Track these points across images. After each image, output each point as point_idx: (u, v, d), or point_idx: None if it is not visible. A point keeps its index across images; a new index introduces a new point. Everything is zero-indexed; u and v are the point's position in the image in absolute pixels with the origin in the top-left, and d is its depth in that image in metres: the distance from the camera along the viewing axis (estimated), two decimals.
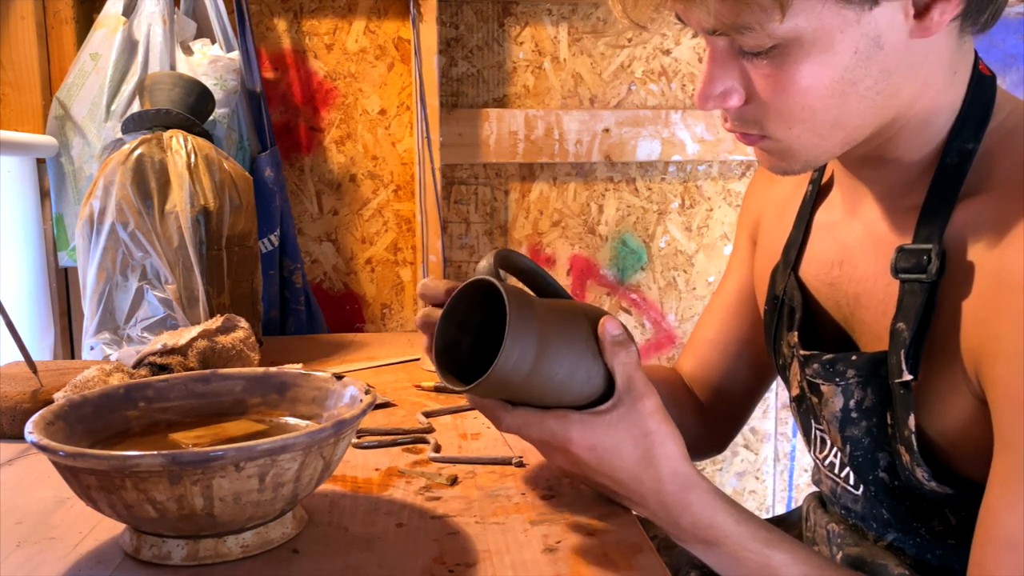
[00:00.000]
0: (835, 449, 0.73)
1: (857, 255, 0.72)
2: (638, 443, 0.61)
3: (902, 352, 0.62)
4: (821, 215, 0.79)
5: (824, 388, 0.70)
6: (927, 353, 0.63)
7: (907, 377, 0.62)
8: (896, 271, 0.64)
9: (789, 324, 0.78)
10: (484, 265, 0.64)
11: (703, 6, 0.57)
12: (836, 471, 0.74)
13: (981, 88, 0.66)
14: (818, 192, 0.81)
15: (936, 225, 0.63)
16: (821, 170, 0.81)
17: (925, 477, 0.63)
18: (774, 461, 1.78)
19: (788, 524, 0.94)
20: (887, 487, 0.69)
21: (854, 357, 0.67)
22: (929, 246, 0.62)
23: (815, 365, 0.70)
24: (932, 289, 0.62)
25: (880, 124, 0.64)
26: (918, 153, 0.66)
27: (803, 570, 0.61)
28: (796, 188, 0.83)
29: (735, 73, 0.63)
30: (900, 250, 0.64)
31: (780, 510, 1.79)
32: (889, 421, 0.65)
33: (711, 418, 0.94)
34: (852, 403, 0.68)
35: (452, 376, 0.62)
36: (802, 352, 0.73)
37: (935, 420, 0.63)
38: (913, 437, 0.63)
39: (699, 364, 0.95)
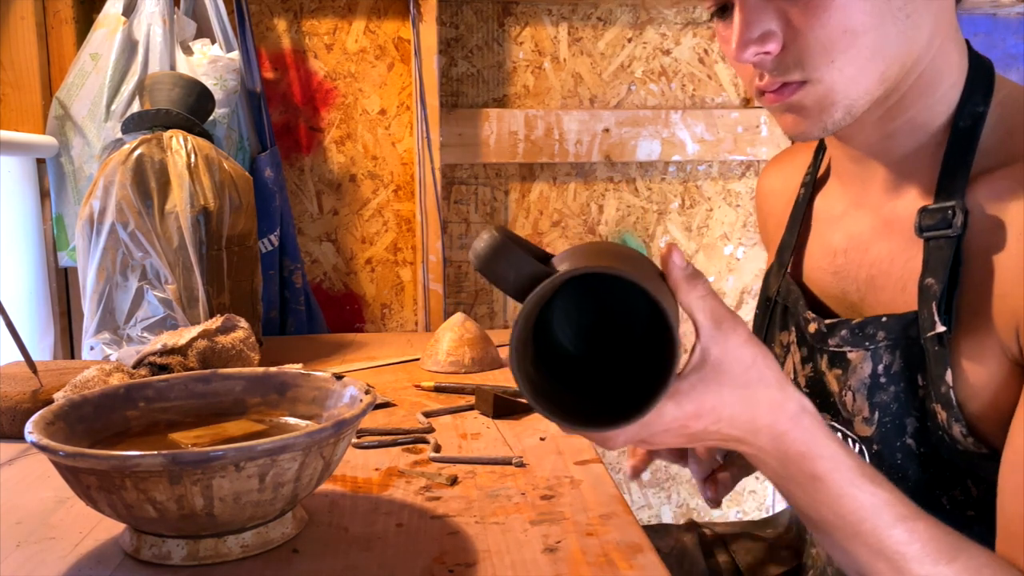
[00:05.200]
0: (847, 438, 0.73)
1: (865, 241, 0.72)
2: (738, 382, 0.54)
3: (933, 304, 0.63)
4: (821, 210, 0.79)
5: (852, 355, 0.70)
6: (957, 310, 0.63)
7: (940, 329, 0.62)
8: (921, 230, 0.65)
9: (782, 324, 0.78)
10: (485, 242, 0.52)
11: None
12: None
13: (979, 59, 0.68)
14: (812, 192, 0.81)
15: (957, 185, 0.64)
16: (814, 170, 0.81)
17: (962, 433, 0.63)
18: None
19: (776, 525, 0.94)
20: (913, 454, 0.68)
21: (884, 319, 0.67)
22: (952, 202, 0.63)
23: (843, 332, 0.70)
24: (958, 244, 0.63)
25: (907, 60, 0.64)
26: (928, 116, 0.67)
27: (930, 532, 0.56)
28: (793, 195, 0.83)
29: (770, 16, 0.62)
30: (923, 210, 0.65)
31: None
32: (920, 383, 0.65)
33: None
34: (881, 368, 0.68)
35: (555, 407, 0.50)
36: (826, 322, 0.72)
37: (965, 382, 0.63)
38: (951, 392, 0.62)
39: None
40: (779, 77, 0.64)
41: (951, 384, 0.62)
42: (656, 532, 0.90)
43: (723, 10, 0.67)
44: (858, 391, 0.70)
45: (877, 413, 0.69)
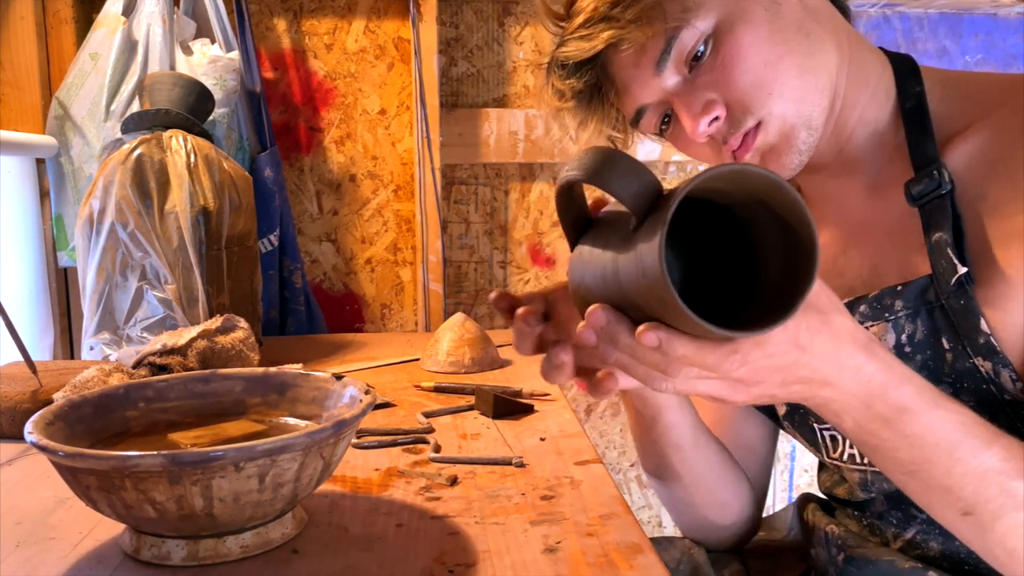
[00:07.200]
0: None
1: (865, 234, 0.74)
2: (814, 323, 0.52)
3: (949, 251, 0.65)
4: None
5: (874, 329, 0.70)
6: (970, 260, 0.64)
7: (962, 270, 0.64)
8: (913, 199, 0.68)
9: None
10: (595, 153, 0.48)
11: (640, 33, 0.68)
12: (859, 460, 0.73)
13: (898, 55, 0.74)
14: None
15: (929, 152, 0.68)
16: None
17: (1011, 378, 0.63)
18: (774, 461, 1.78)
19: (779, 527, 0.94)
20: None
21: (899, 287, 0.68)
22: (932, 167, 0.67)
23: (862, 307, 0.71)
24: (952, 200, 0.66)
25: (830, 67, 0.70)
26: (874, 109, 0.73)
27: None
28: None
29: (702, 90, 0.70)
30: (909, 183, 0.68)
31: None
32: (947, 346, 0.66)
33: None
34: (904, 337, 0.68)
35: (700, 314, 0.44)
36: (844, 302, 0.72)
37: (999, 328, 0.63)
38: (992, 339, 0.63)
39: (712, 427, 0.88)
40: (738, 131, 0.70)
41: (989, 332, 0.63)
42: (661, 544, 0.89)
43: (665, 120, 0.75)
44: None
45: None
